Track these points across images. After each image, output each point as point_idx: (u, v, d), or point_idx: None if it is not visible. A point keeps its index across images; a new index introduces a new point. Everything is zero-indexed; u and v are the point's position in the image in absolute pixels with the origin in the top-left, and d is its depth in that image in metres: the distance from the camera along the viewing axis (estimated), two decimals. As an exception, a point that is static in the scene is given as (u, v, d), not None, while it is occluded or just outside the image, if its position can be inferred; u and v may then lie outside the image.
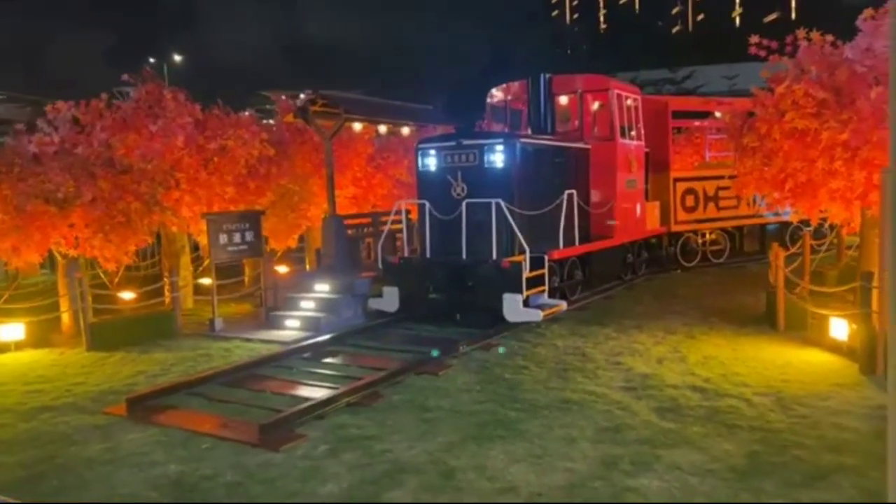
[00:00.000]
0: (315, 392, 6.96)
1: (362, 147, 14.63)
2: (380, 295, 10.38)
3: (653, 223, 13.74)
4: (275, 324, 10.23)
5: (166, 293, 11.70)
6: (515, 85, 12.72)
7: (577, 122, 12.45)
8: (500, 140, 9.89)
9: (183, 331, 10.40)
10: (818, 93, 8.19)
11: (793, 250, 11.72)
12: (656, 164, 14.28)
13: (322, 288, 10.68)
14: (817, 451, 5.19)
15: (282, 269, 14.96)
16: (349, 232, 12.42)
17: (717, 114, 15.17)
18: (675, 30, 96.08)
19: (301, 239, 15.26)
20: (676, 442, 5.46)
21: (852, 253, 11.74)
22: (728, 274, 14.30)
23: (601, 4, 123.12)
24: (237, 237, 10.62)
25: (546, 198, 10.44)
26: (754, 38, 9.05)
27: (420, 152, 10.40)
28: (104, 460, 5.53)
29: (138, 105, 11.44)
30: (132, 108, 11.35)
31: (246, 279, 13.86)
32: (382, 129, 13.82)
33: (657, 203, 14.04)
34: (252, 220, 10.91)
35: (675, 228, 14.54)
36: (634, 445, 5.41)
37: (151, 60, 57.74)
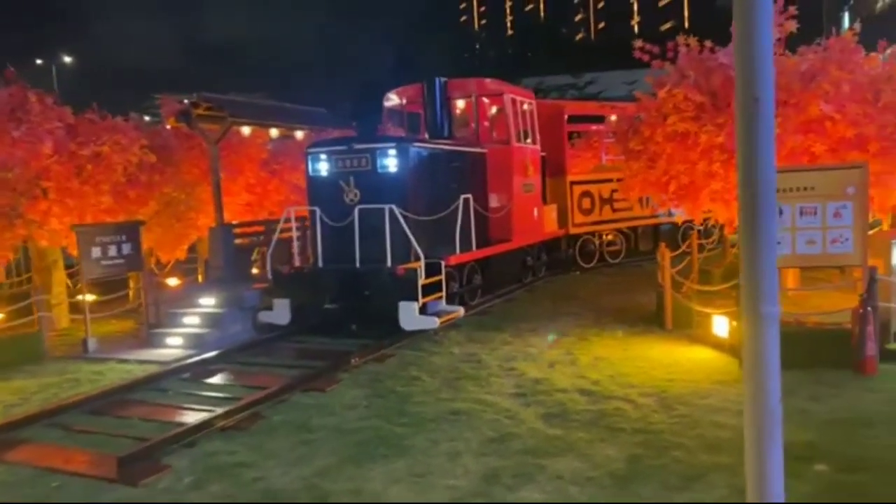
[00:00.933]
0: (189, 417, 6.48)
1: (255, 152, 14.03)
2: (270, 307, 9.92)
3: (550, 226, 13.89)
4: (155, 342, 9.57)
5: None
6: (412, 89, 12.54)
7: (473, 127, 12.40)
8: (393, 144, 9.66)
9: (52, 353, 9.57)
10: (696, 97, 8.44)
11: (681, 249, 12.11)
12: (553, 167, 14.46)
13: (207, 302, 10.10)
14: (695, 452, 5.22)
15: (172, 281, 14.15)
16: (240, 241, 11.86)
17: (613, 118, 15.56)
18: (578, 37, 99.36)
19: (193, 249, 14.51)
20: (561, 450, 5.38)
21: (736, 251, 12.24)
22: (624, 273, 14.64)
23: (508, 11, 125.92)
24: (112, 250, 9.88)
25: (442, 203, 10.30)
26: (638, 43, 9.25)
27: (310, 157, 10.02)
28: (-68, 509, 4.90)
29: (-2, 109, 10.48)
30: (-10, 113, 10.38)
31: (130, 294, 12.99)
32: (274, 132, 13.30)
33: (555, 206, 14.22)
34: (129, 231, 10.19)
35: (572, 231, 14.77)
36: (518, 456, 5.28)
37: (38, 62, 54.16)
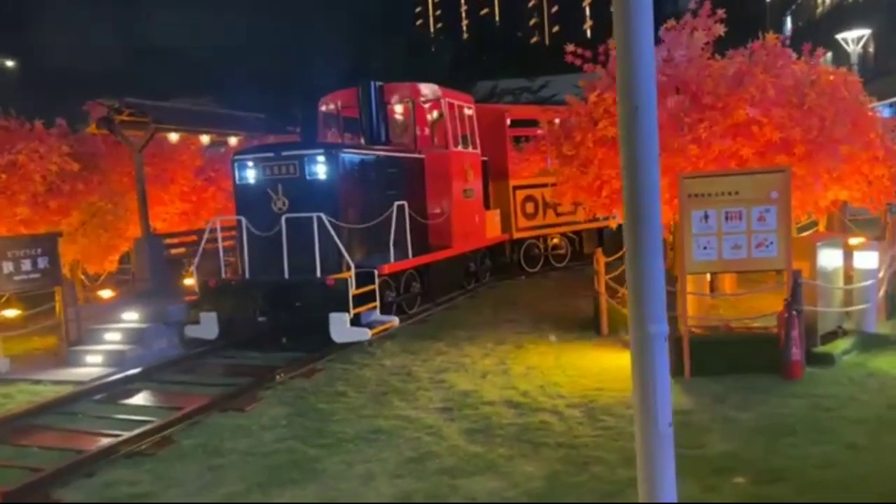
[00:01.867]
0: (94, 443, 6.09)
1: (189, 159, 13.55)
2: (197, 321, 9.51)
3: (493, 231, 13.76)
4: (74, 361, 9.08)
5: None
6: (347, 93, 12.26)
7: (410, 132, 12.19)
8: (322, 151, 9.38)
9: (-41, 375, 9.00)
10: (625, 101, 8.36)
11: (621, 253, 12.08)
12: (496, 172, 14.34)
13: (130, 317, 9.66)
14: (615, 466, 5.09)
15: (106, 293, 13.57)
16: (170, 252, 11.41)
17: (557, 121, 15.50)
18: (533, 40, 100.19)
19: (127, 260, 13.95)
20: (479, 468, 5.18)
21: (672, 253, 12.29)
22: (567, 277, 14.59)
23: (463, 15, 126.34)
24: (27, 265, 9.34)
25: (377, 210, 10.05)
26: (570, 48, 9.15)
27: (237, 164, 9.67)
28: None
29: None
30: None
31: (57, 308, 12.38)
32: (205, 139, 12.86)
33: (497, 211, 14.09)
34: (46, 244, 9.65)
35: (516, 235, 14.67)
36: (435, 477, 5.07)
37: (-26, 67, 51.96)
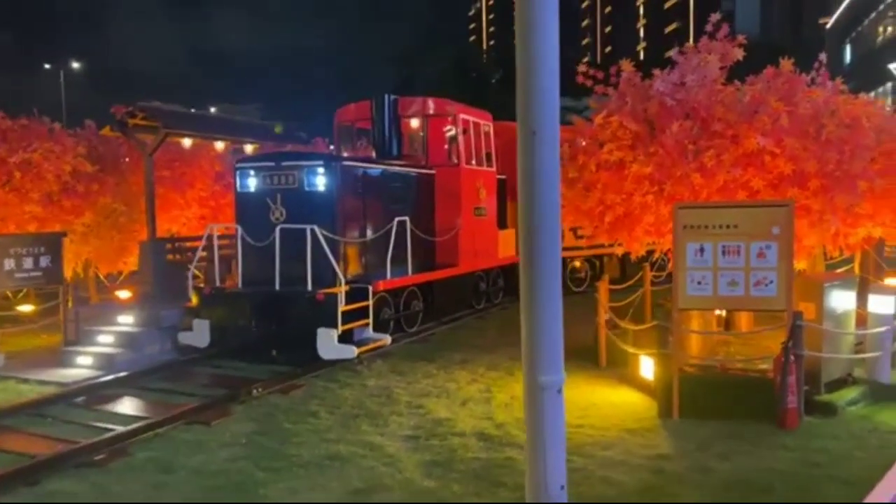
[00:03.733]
0: (52, 449, 6.01)
1: (208, 164, 13.66)
2: (191, 328, 9.47)
3: (507, 251, 13.44)
4: (66, 361, 9.12)
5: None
6: (362, 105, 12.17)
7: (422, 147, 12.02)
8: (321, 162, 9.27)
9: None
10: (631, 125, 8.02)
11: (632, 280, 11.65)
12: (515, 191, 13.99)
13: (125, 320, 9.67)
14: (568, 516, 4.73)
15: (124, 294, 13.73)
16: (175, 257, 11.43)
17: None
18: (584, 60, 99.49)
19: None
20: (425, 507, 4.90)
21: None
22: (584, 302, 13.97)
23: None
24: (28, 262, 9.46)
25: (379, 224, 9.90)
26: (581, 68, 8.85)
27: (239, 172, 9.64)
28: None
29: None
30: None
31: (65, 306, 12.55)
32: (220, 145, 12.93)
33: (513, 231, 13.76)
34: (49, 243, 9.77)
35: (532, 256, 14.29)
36: (375, 512, 4.81)
37: (47, 66, 54.34)
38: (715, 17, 8.29)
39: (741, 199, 7.54)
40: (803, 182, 7.56)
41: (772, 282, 6.43)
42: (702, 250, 6.57)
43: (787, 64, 7.76)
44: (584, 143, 8.76)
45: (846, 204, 7.58)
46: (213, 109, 54.70)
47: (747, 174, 7.67)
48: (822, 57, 8.90)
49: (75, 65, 53.19)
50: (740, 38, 8.29)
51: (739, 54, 8.18)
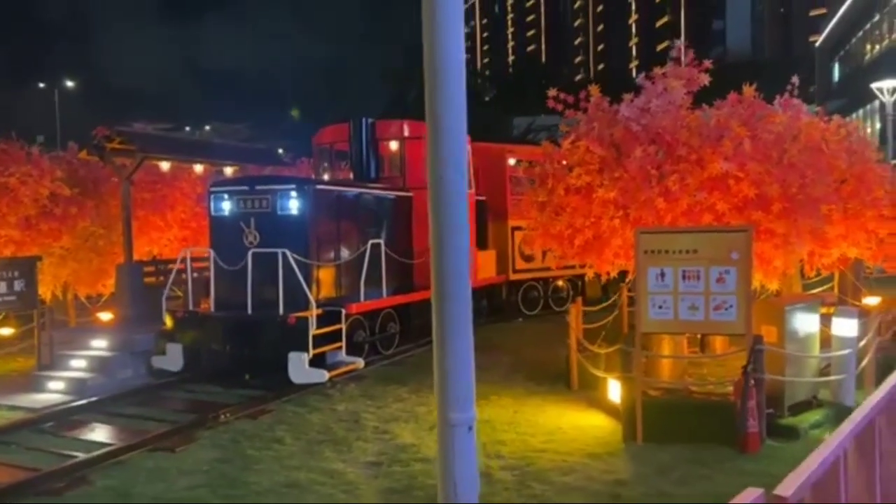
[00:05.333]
0: (12, 478, 6.00)
1: (189, 186, 13.73)
2: (164, 352, 9.47)
3: (487, 272, 13.49)
4: (38, 386, 9.10)
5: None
6: (340, 127, 12.26)
7: (400, 170, 12.10)
8: (294, 186, 9.34)
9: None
10: (597, 149, 8.10)
11: (609, 302, 11.69)
12: (495, 212, 14.11)
13: (99, 344, 9.67)
14: (518, 545, 4.74)
15: (106, 316, 13.72)
16: (157, 279, 11.46)
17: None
18: (577, 78, 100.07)
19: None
20: (377, 535, 4.90)
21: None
22: (564, 322, 14.14)
23: (510, 51, 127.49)
24: (2, 287, 9.47)
25: (354, 248, 9.95)
26: (552, 92, 8.94)
27: (213, 196, 9.69)
28: None
29: None
30: None
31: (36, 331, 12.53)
32: (198, 168, 13.01)
33: (493, 252, 13.83)
34: (23, 267, 9.80)
35: (513, 277, 14.36)
36: (326, 542, 4.80)
37: (41, 85, 54.50)
38: (680, 44, 8.43)
39: (706, 223, 7.61)
40: (767, 206, 7.63)
41: (731, 306, 6.47)
42: (662, 275, 6.62)
43: (749, 90, 7.87)
44: (551, 167, 8.84)
45: (809, 227, 7.65)
46: (207, 128, 55.01)
47: (713, 197, 7.74)
48: (795, 79, 9.04)
49: (69, 83, 53.49)
50: (706, 63, 8.41)
51: (705, 79, 8.28)
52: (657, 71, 8.57)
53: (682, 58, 8.42)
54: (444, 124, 2.47)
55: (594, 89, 8.36)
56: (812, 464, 2.27)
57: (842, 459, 2.41)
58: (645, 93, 8.27)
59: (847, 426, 2.72)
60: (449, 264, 2.50)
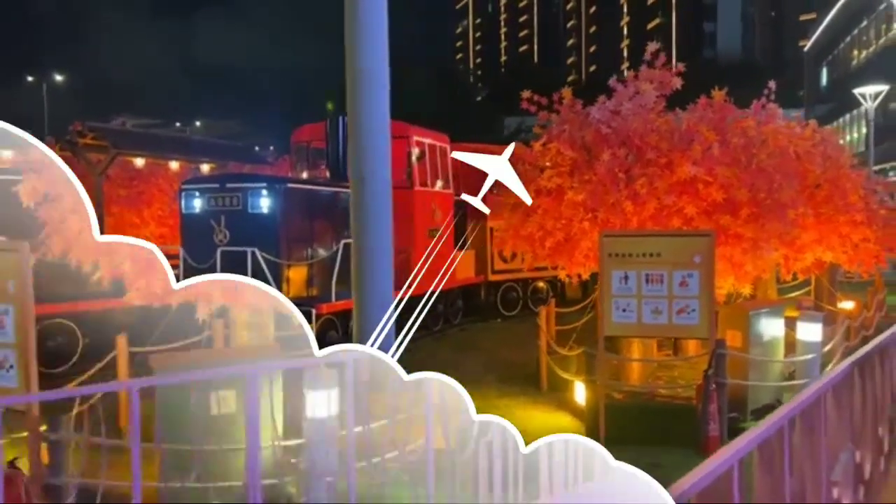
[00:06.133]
0: None
1: (166, 182, 13.65)
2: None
3: (465, 273, 13.46)
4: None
5: None
6: (317, 126, 12.20)
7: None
8: (265, 184, 9.29)
9: None
10: (568, 151, 8.10)
11: (586, 303, 11.68)
12: (476, 213, 14.04)
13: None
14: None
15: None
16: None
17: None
18: (569, 78, 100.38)
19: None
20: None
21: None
22: (542, 324, 14.17)
23: (502, 51, 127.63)
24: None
25: (327, 247, 9.89)
26: (526, 94, 8.94)
27: (184, 193, 9.61)
28: None
29: None
30: None
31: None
32: (174, 165, 12.94)
33: (472, 252, 13.81)
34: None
35: (492, 278, 14.35)
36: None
37: (30, 79, 54.16)
38: (653, 45, 8.43)
39: (675, 227, 7.62)
40: (735, 210, 7.65)
41: (694, 310, 6.48)
42: (626, 278, 6.62)
43: (719, 94, 7.89)
44: (521, 169, 8.82)
45: (777, 231, 7.67)
46: (197, 124, 54.79)
47: (681, 201, 7.75)
48: (772, 84, 9.07)
49: (58, 77, 53.10)
50: (679, 66, 8.43)
51: (678, 83, 8.29)
52: (629, 74, 8.60)
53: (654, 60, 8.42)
54: (365, 125, 2.45)
55: (566, 92, 8.36)
56: (700, 472, 2.23)
57: (736, 468, 2.38)
58: (616, 95, 8.28)
59: (751, 433, 2.70)
60: (373, 267, 2.47)
